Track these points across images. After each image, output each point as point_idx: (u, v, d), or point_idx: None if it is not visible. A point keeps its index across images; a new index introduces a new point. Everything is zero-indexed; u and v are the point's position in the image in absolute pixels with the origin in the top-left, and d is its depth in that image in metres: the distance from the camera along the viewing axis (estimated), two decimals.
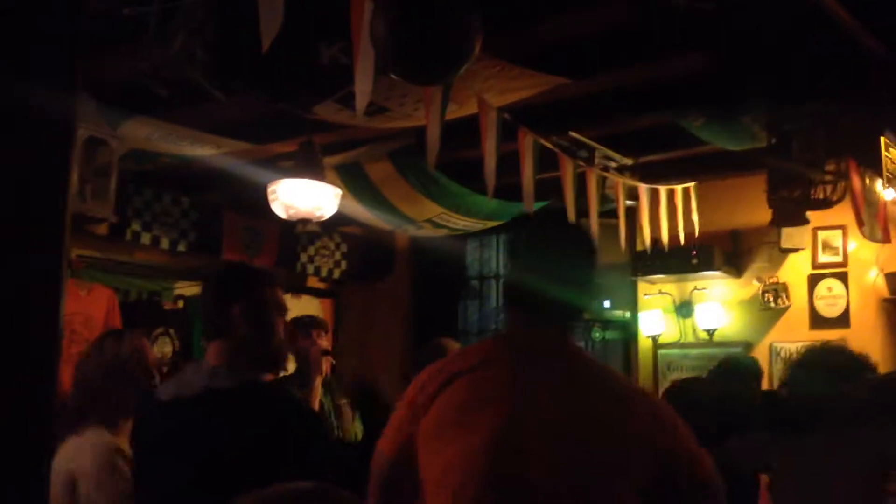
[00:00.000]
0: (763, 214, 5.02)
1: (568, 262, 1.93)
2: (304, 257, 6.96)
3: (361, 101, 2.31)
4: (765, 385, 4.59)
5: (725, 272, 5.85)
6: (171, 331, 5.89)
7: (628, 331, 6.36)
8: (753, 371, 4.19)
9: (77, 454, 2.47)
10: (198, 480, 2.02)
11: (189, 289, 6.42)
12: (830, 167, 3.97)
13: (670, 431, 1.83)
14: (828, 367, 2.89)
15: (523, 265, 1.98)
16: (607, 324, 6.34)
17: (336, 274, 7.24)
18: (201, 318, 2.33)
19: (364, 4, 2.18)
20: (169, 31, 2.33)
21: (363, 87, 2.30)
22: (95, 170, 4.00)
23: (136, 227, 5.64)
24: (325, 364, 4.14)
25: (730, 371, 4.09)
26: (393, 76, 2.28)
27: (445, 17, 2.08)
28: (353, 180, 5.16)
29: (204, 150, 4.59)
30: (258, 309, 2.25)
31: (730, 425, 3.28)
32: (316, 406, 4.10)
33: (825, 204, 4.08)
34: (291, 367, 4.25)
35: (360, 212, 5.59)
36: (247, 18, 2.28)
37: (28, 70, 0.79)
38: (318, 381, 4.05)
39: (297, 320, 4.78)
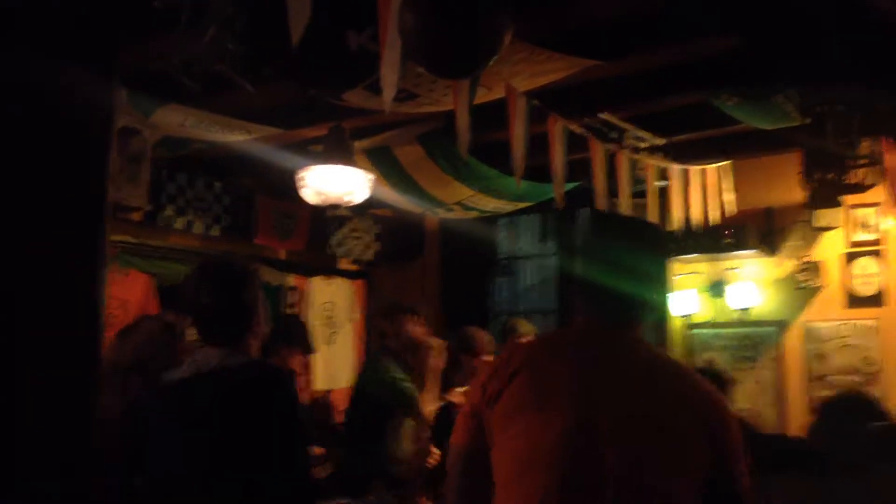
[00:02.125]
0: (797, 193, 4.98)
1: (640, 256, 1.93)
2: (335, 240, 6.99)
3: (388, 93, 2.31)
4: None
5: (759, 251, 5.80)
6: None
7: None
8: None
9: None
10: (209, 453, 2.12)
11: None
12: (865, 149, 3.92)
13: (733, 427, 1.84)
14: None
15: (594, 259, 1.98)
16: None
17: (367, 256, 7.27)
18: (201, 319, 2.34)
19: None
20: (200, 24, 2.35)
21: (390, 79, 2.30)
22: (129, 158, 4.04)
23: (169, 212, 5.70)
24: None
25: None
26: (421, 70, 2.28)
27: (475, 10, 2.07)
28: (382, 164, 5.17)
29: (235, 137, 4.62)
30: (263, 314, 2.38)
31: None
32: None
33: (859, 188, 4.03)
34: None
35: (390, 195, 5.60)
36: (276, 9, 2.29)
37: (71, 60, 0.81)
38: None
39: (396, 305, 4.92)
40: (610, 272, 1.92)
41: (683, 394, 1.85)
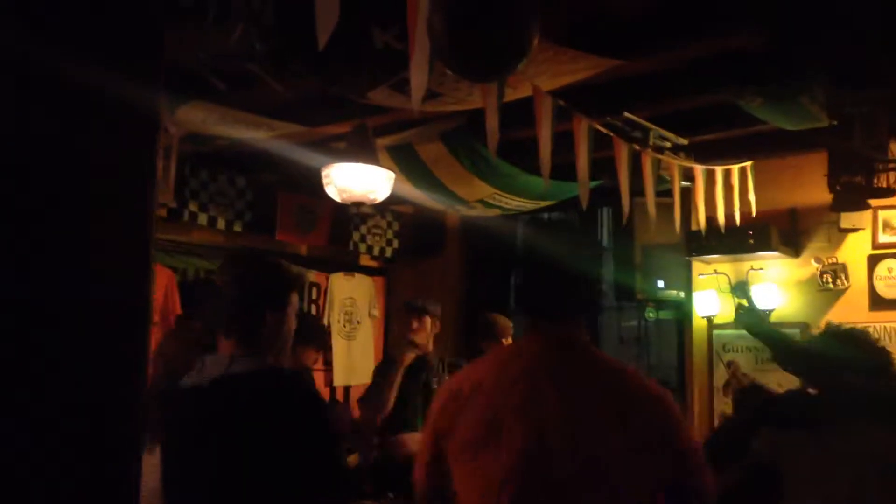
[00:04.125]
0: (822, 193, 4.93)
1: (566, 255, 1.95)
2: (356, 236, 7.01)
3: (417, 94, 2.31)
4: None
5: (782, 252, 5.75)
6: None
7: (682, 311, 6.30)
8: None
9: None
10: (218, 462, 2.06)
11: None
12: (894, 152, 3.88)
13: (685, 435, 1.88)
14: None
15: (525, 270, 2.00)
16: (661, 304, 6.29)
17: (388, 252, 7.28)
18: (216, 312, 2.24)
19: None
20: (227, 21, 2.36)
21: (419, 80, 2.30)
22: None
23: (193, 207, 5.74)
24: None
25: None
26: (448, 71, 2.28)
27: (504, 14, 2.06)
28: (404, 161, 5.17)
29: (258, 133, 4.64)
30: (286, 318, 2.26)
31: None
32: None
33: (888, 192, 3.98)
34: None
35: (412, 192, 5.61)
36: (302, 6, 2.29)
37: (117, 66, 0.82)
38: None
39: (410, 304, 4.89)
40: (535, 279, 1.96)
41: (631, 397, 1.86)
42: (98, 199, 0.80)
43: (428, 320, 4.60)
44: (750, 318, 3.65)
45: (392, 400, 4.33)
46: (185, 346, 2.84)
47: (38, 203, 0.75)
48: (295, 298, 2.31)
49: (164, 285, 5.47)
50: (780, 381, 5.84)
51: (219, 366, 2.14)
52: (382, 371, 4.54)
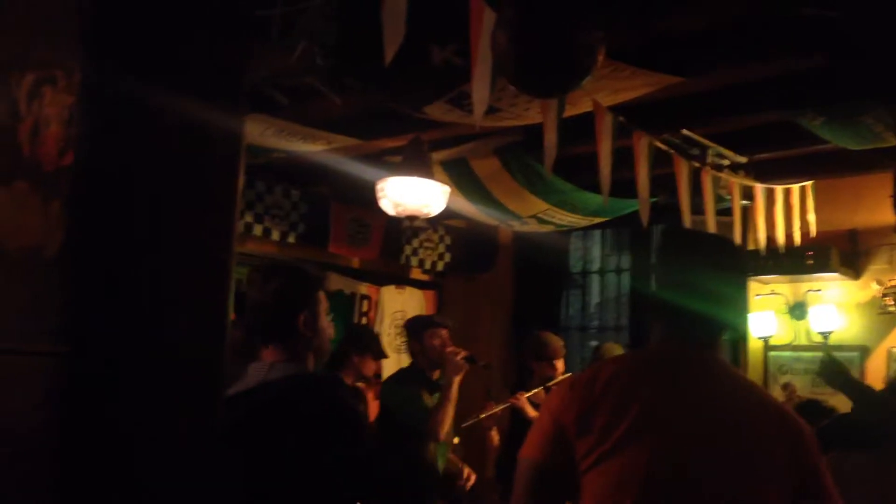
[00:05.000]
0: (884, 214, 4.83)
1: (717, 275, 1.90)
2: (408, 249, 7.03)
3: (479, 109, 2.31)
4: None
5: (842, 273, 5.63)
6: None
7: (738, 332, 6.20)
8: None
9: None
10: (255, 473, 2.06)
11: None
12: None
13: (813, 450, 1.83)
14: None
15: (670, 278, 1.95)
16: None
17: (439, 266, 7.29)
18: (252, 318, 2.30)
19: (483, 13, 2.17)
20: (290, 38, 2.38)
21: (481, 96, 2.30)
22: None
23: (248, 218, 5.80)
24: (464, 370, 4.21)
25: None
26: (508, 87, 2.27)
27: (570, 31, 2.05)
28: (459, 176, 5.18)
29: (315, 146, 4.68)
30: (317, 316, 2.30)
31: None
32: (451, 413, 4.14)
33: None
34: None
35: (465, 206, 5.61)
36: (365, 24, 2.31)
37: (207, 94, 0.84)
38: (456, 385, 4.13)
39: (422, 318, 4.84)
40: (688, 292, 1.89)
41: (766, 414, 1.84)
42: (186, 216, 0.81)
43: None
44: (832, 370, 3.63)
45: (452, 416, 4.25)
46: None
47: (134, 219, 0.77)
48: (322, 297, 2.36)
49: None
50: (838, 403, 5.73)
51: (259, 373, 2.21)
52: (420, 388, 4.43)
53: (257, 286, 2.29)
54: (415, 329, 4.54)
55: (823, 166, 5.10)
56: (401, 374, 4.68)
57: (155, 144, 0.79)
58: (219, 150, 0.85)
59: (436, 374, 4.43)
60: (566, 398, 1.88)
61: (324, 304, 2.35)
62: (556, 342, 4.82)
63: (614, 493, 1.76)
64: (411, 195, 4.18)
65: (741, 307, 1.96)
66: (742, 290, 1.97)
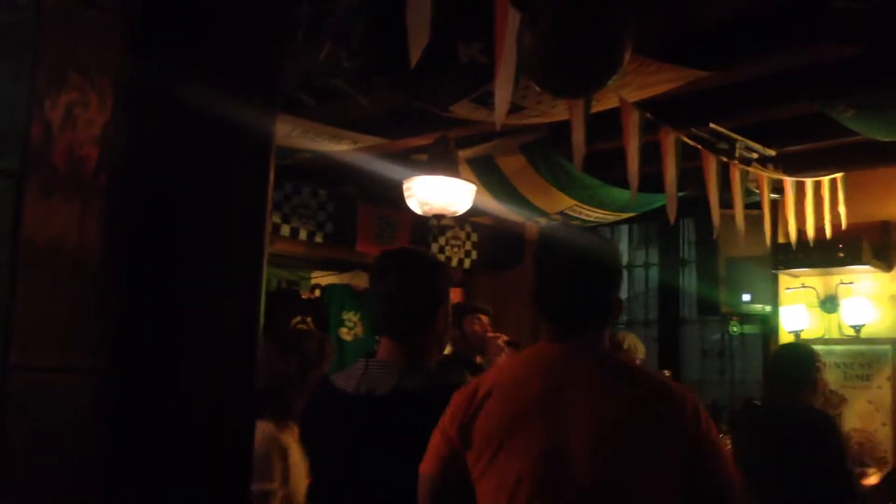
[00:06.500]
0: None
1: (586, 269, 1.92)
2: (434, 247, 7.04)
3: (501, 109, 2.30)
4: None
5: (874, 266, 5.56)
6: (309, 319, 6.09)
7: (768, 325, 6.14)
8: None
9: None
10: (382, 479, 2.03)
11: (325, 278, 6.61)
12: None
13: (701, 421, 1.83)
14: None
15: (545, 275, 1.97)
16: (746, 318, 6.15)
17: (466, 263, 7.29)
18: (383, 310, 2.14)
19: (509, 13, 2.16)
20: (316, 39, 2.39)
21: (503, 96, 2.29)
22: None
23: (276, 219, 5.84)
24: (504, 353, 4.22)
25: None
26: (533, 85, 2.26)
27: (597, 32, 2.04)
28: (485, 173, 5.18)
29: (341, 146, 4.70)
30: (448, 311, 2.20)
31: None
32: None
33: None
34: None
35: (492, 204, 5.61)
36: (390, 24, 2.31)
37: (238, 91, 0.85)
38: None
39: (462, 305, 4.86)
40: (556, 282, 1.94)
41: (648, 398, 1.84)
42: (218, 216, 0.82)
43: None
44: None
45: None
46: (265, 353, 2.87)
47: (163, 220, 0.78)
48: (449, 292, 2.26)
49: None
50: (871, 398, 5.67)
51: (388, 377, 2.08)
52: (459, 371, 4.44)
53: (395, 275, 2.14)
54: (455, 316, 4.56)
55: (854, 158, 5.04)
56: (442, 361, 4.69)
57: (192, 147, 0.80)
58: (253, 151, 0.86)
59: (478, 360, 4.44)
60: (451, 411, 1.90)
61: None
62: None
63: (497, 498, 1.77)
64: (438, 194, 4.19)
65: (610, 295, 1.97)
66: (608, 278, 1.97)
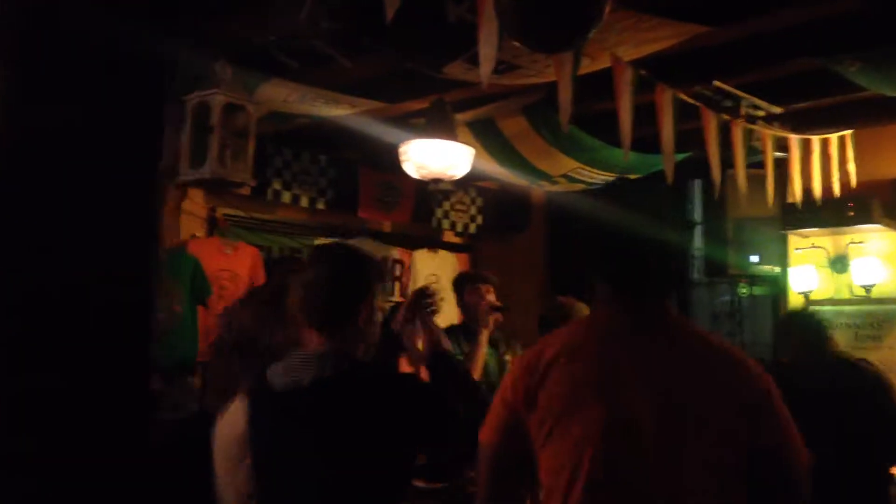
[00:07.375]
0: None
1: (657, 234, 1.87)
2: (439, 212, 6.98)
3: (486, 67, 2.24)
4: None
5: (885, 225, 5.45)
6: None
7: (778, 286, 6.06)
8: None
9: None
10: (323, 471, 2.00)
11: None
12: None
13: (773, 394, 1.82)
14: None
15: (612, 238, 1.92)
16: (755, 279, 6.07)
17: (472, 229, 7.23)
18: (307, 300, 2.15)
19: None
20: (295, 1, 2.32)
21: (487, 53, 2.22)
22: (234, 134, 4.08)
23: (276, 185, 5.79)
24: (492, 320, 4.19)
25: None
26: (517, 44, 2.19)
27: None
28: (486, 137, 5.10)
29: (339, 111, 4.63)
30: (374, 307, 2.20)
31: None
32: (480, 361, 4.14)
33: None
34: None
35: (494, 168, 5.53)
36: None
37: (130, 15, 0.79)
38: (485, 336, 4.10)
39: (464, 274, 4.84)
40: (627, 250, 1.88)
41: (719, 368, 1.82)
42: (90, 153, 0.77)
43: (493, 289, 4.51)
44: None
45: (479, 372, 4.24)
46: (254, 315, 2.81)
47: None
48: (379, 288, 2.28)
49: (249, 262, 5.54)
50: (882, 358, 5.59)
51: (310, 366, 2.07)
52: (459, 341, 4.42)
53: (323, 269, 2.17)
54: (457, 286, 4.55)
55: (863, 115, 4.92)
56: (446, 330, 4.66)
57: (76, 76, 0.75)
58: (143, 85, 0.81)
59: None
60: (513, 377, 1.88)
61: (378, 296, 2.23)
62: (578, 306, 4.73)
63: (564, 465, 1.75)
64: (435, 158, 4.12)
65: (677, 258, 1.94)
66: (678, 241, 1.94)
